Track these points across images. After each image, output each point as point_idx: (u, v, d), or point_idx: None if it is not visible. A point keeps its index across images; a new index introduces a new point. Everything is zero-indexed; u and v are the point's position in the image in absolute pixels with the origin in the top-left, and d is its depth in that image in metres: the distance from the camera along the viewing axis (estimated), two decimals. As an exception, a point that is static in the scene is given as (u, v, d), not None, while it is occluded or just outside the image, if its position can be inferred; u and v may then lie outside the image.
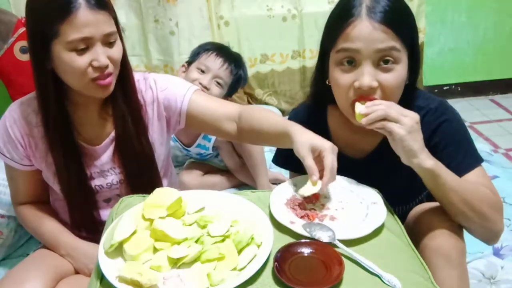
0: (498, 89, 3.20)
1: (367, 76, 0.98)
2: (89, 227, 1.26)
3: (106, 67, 1.07)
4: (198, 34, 2.69)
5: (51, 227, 1.26)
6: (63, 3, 1.01)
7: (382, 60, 0.99)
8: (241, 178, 2.08)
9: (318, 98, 1.19)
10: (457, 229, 0.99)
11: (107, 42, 1.08)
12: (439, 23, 2.96)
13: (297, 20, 2.79)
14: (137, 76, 1.24)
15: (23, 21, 2.46)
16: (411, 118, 0.93)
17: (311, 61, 2.88)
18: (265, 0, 2.75)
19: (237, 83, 1.97)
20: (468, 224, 1.00)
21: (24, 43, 2.43)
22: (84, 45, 1.04)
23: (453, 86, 3.16)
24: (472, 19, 2.98)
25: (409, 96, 1.07)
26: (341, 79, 1.02)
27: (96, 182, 1.24)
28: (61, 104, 1.14)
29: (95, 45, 1.05)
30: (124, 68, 1.16)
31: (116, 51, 1.10)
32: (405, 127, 0.92)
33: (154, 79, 1.25)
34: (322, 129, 1.17)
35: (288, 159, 1.30)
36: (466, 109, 3.01)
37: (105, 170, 1.24)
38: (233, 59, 1.92)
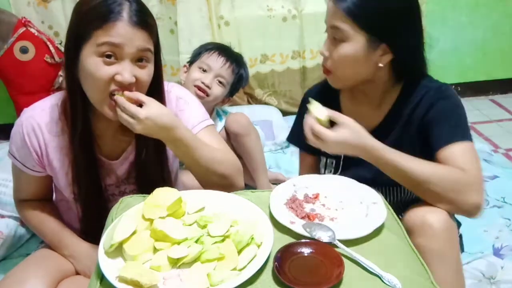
0: (498, 89, 3.20)
1: (324, 46, 1.14)
2: (98, 233, 1.26)
3: (128, 85, 1.04)
4: (198, 33, 2.69)
5: (54, 227, 1.26)
6: (105, 11, 1.01)
7: (334, 35, 1.11)
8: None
9: None
10: (450, 224, 0.99)
11: (138, 58, 1.04)
12: (439, 23, 2.96)
13: (297, 20, 2.79)
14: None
15: (23, 21, 2.46)
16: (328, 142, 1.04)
17: (311, 61, 2.88)
18: (265, 0, 2.75)
19: (238, 82, 1.97)
20: (433, 203, 1.03)
21: (24, 43, 2.43)
22: (111, 52, 1.01)
23: (453, 86, 3.16)
24: (472, 19, 2.98)
25: (408, 75, 1.16)
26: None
27: (109, 192, 1.24)
28: (86, 116, 1.12)
29: (124, 59, 1.02)
30: (158, 94, 1.13)
31: (145, 73, 1.06)
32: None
33: (177, 96, 1.23)
34: (334, 106, 1.22)
35: (300, 137, 1.34)
36: (466, 109, 2.97)
37: (119, 181, 1.24)
38: (234, 59, 1.92)
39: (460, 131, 1.08)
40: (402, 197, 1.23)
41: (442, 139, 1.06)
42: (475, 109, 3.02)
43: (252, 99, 2.94)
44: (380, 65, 1.11)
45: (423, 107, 1.12)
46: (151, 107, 1.04)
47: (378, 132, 1.17)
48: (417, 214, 1.02)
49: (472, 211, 1.02)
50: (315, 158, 1.34)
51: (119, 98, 1.03)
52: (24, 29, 2.44)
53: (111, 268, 0.83)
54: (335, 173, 1.29)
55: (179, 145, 1.10)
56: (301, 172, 1.41)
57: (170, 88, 1.24)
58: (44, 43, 2.47)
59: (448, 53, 3.05)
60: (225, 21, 2.76)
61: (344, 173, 1.25)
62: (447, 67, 3.08)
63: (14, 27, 2.42)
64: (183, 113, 1.22)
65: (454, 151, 1.05)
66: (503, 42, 3.05)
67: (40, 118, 1.15)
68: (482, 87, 3.17)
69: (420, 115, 1.12)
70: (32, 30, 2.47)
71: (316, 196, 1.07)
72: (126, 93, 1.04)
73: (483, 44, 3.05)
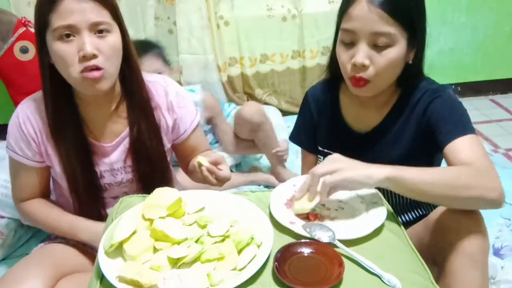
0: (498, 89, 3.20)
1: (361, 54, 1.05)
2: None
3: (93, 57, 1.04)
4: (197, 33, 2.69)
5: (63, 215, 1.25)
6: None
7: (377, 42, 1.04)
8: (240, 151, 2.13)
9: (332, 73, 1.25)
10: (482, 227, 0.99)
11: (96, 31, 1.06)
12: (439, 23, 2.96)
13: (297, 20, 2.79)
14: (155, 78, 1.25)
15: (23, 21, 2.46)
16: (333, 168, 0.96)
17: (311, 61, 2.88)
18: (265, 0, 2.75)
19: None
20: (455, 206, 0.99)
21: (24, 43, 2.43)
22: (68, 32, 1.03)
23: (453, 86, 3.16)
24: (472, 19, 2.98)
25: (413, 76, 1.14)
26: (342, 56, 1.10)
27: (105, 181, 1.24)
28: (70, 102, 1.16)
29: (81, 33, 1.04)
30: (127, 62, 1.15)
31: (107, 44, 1.06)
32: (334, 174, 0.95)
33: (176, 92, 1.26)
34: (333, 104, 1.27)
35: (302, 136, 1.38)
36: (466, 109, 3.00)
37: (115, 169, 1.24)
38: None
39: (462, 125, 1.09)
40: (398, 200, 1.23)
41: (446, 136, 1.07)
42: (475, 109, 3.02)
43: (252, 99, 2.94)
44: (410, 62, 1.11)
45: (422, 106, 1.13)
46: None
47: (377, 132, 1.20)
48: (448, 214, 1.01)
49: (496, 199, 0.97)
50: (316, 157, 1.35)
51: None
52: (24, 29, 2.43)
53: (111, 268, 0.83)
54: None
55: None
56: (303, 170, 1.43)
57: (168, 82, 1.28)
58: (44, 43, 2.47)
59: (448, 53, 3.05)
60: (224, 21, 2.76)
61: None
62: (447, 67, 3.08)
63: (14, 27, 2.42)
64: (184, 110, 1.26)
65: (460, 145, 1.05)
66: (503, 42, 3.05)
67: (34, 107, 1.19)
68: (482, 87, 3.17)
69: (419, 114, 1.13)
70: (32, 30, 2.46)
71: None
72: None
73: (483, 44, 3.05)
